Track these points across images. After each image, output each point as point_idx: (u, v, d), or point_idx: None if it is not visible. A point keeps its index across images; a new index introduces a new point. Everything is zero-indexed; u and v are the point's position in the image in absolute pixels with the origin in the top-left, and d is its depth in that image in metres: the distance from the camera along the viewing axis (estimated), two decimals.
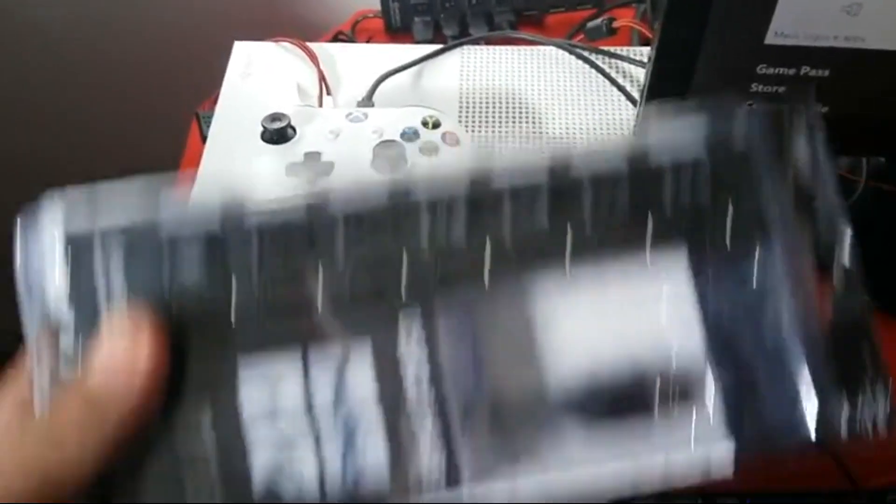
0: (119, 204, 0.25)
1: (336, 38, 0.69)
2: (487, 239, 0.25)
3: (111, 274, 0.24)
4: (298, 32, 0.63)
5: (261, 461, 0.24)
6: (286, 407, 0.24)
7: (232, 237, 0.25)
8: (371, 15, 0.71)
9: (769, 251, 0.26)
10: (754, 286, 0.26)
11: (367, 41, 0.69)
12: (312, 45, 0.60)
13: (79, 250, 0.24)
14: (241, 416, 0.24)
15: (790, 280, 0.26)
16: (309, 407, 0.24)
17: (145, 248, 0.25)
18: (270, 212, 0.25)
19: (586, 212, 0.25)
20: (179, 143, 0.63)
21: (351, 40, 0.69)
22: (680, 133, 0.26)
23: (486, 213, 0.25)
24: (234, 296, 0.25)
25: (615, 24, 0.57)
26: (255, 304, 0.25)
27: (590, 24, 0.58)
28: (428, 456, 0.24)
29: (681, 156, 0.25)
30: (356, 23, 0.71)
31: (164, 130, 0.71)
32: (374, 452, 0.24)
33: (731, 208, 0.25)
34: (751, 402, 0.26)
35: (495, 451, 0.25)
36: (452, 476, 0.24)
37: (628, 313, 0.25)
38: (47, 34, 0.78)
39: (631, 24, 0.57)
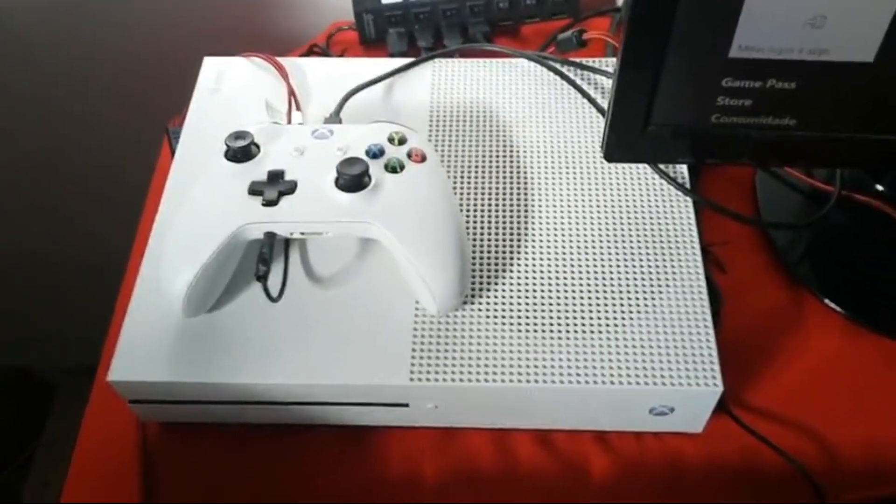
0: None
1: (310, 51, 0.69)
2: None
3: None
4: (274, 45, 0.63)
5: None
6: None
7: None
8: (345, 27, 0.70)
9: None
10: None
11: (342, 53, 0.68)
12: (283, 60, 0.59)
13: None
14: None
15: None
16: None
17: None
18: None
19: None
20: (152, 158, 0.63)
21: (325, 53, 0.68)
22: None
23: None
24: None
25: (585, 36, 0.56)
26: None
27: (560, 36, 0.57)
28: None
29: None
30: (330, 35, 0.70)
31: (137, 145, 0.70)
32: None
33: None
34: None
35: None
36: None
37: None
38: (19, 48, 0.77)
39: (601, 37, 0.56)
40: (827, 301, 0.50)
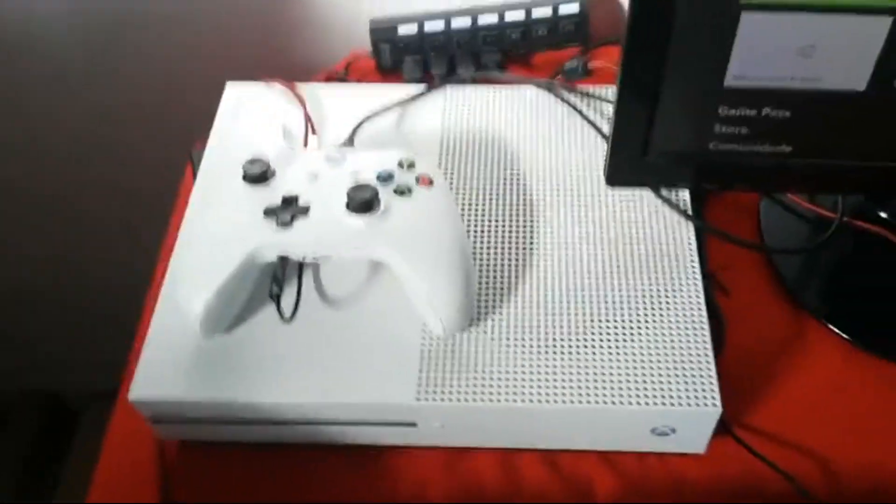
0: None
1: (329, 78, 0.71)
2: None
3: None
4: (295, 72, 0.65)
5: None
6: None
7: None
8: (364, 56, 0.72)
9: None
10: None
11: (359, 81, 0.70)
12: (301, 86, 0.61)
13: None
14: None
15: None
16: None
17: None
18: None
19: None
20: (176, 181, 0.65)
21: (343, 80, 0.70)
22: None
23: None
24: None
25: (591, 65, 0.57)
26: None
27: (567, 66, 0.59)
28: None
29: None
30: (349, 63, 0.72)
31: (161, 168, 0.72)
32: None
33: None
34: None
35: None
36: None
37: None
38: (43, 72, 0.80)
39: (606, 66, 0.57)
40: (830, 326, 0.51)
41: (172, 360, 0.46)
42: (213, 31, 0.78)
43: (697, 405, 0.43)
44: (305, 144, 0.57)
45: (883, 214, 0.52)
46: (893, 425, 0.47)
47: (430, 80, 0.68)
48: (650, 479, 0.46)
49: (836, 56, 0.39)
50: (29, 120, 0.83)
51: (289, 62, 0.80)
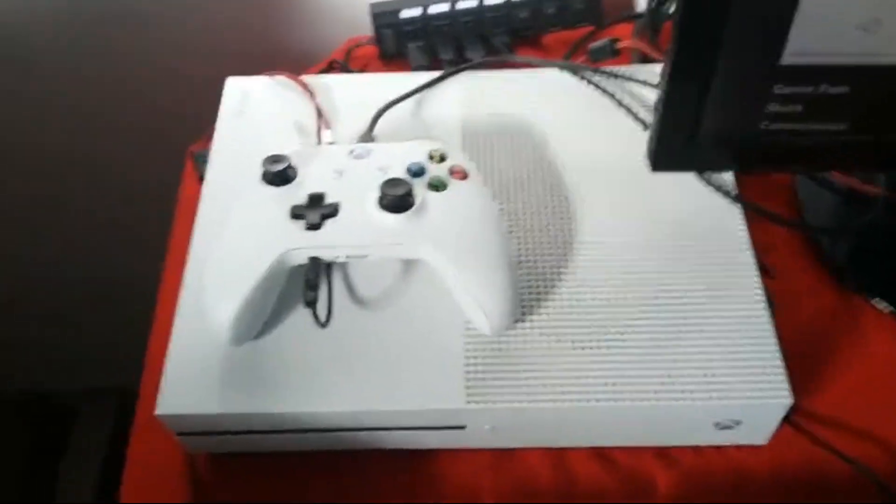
0: None
1: (330, 68, 0.68)
2: None
3: None
4: (291, 63, 0.62)
5: None
6: None
7: None
8: (364, 42, 0.69)
9: None
10: None
11: (362, 69, 0.68)
12: (307, 78, 0.58)
13: None
14: None
15: None
16: None
17: None
18: None
19: None
20: (172, 183, 0.62)
21: (345, 69, 0.68)
22: None
23: None
24: None
25: (619, 45, 0.55)
26: None
27: (593, 46, 0.57)
28: None
29: None
30: (349, 50, 0.69)
31: (157, 167, 0.69)
32: None
33: None
34: None
35: None
36: None
37: None
38: (40, 74, 0.76)
39: (635, 45, 0.55)
40: (879, 304, 0.49)
41: (200, 372, 0.44)
42: (206, 26, 0.75)
43: (766, 398, 0.41)
44: (319, 140, 0.54)
45: None
46: None
47: (438, 65, 0.65)
48: (711, 472, 0.45)
49: None
50: (23, 122, 0.80)
51: (283, 53, 0.77)
